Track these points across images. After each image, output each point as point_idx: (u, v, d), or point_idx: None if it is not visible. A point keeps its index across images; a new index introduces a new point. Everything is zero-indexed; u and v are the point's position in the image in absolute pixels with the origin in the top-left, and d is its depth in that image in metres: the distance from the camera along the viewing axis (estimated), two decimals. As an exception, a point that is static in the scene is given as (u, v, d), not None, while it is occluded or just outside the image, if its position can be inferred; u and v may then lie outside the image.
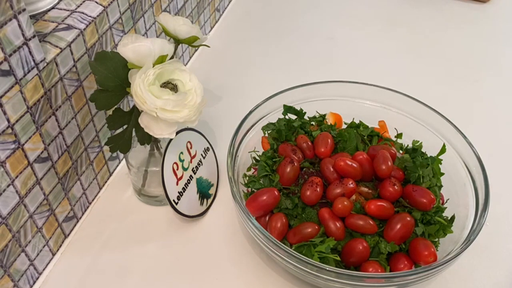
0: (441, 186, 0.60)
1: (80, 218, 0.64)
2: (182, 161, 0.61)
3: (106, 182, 0.69)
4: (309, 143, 0.62)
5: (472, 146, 0.60)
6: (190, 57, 0.91)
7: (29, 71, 0.47)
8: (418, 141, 0.64)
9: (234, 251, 0.61)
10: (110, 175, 0.69)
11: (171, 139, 0.59)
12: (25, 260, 0.54)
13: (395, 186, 0.56)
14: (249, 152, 0.65)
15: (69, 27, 0.53)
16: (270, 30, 0.99)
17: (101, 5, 0.58)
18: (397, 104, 0.68)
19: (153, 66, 0.51)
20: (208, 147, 0.67)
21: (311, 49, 0.94)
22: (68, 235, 0.62)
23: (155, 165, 0.62)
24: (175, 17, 0.57)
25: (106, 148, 0.65)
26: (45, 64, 0.49)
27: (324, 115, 0.68)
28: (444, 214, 0.58)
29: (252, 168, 0.65)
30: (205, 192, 0.65)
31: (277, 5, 1.06)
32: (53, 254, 0.60)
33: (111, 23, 0.60)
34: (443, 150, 0.61)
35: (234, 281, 0.58)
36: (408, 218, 0.54)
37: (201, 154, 0.65)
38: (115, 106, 0.54)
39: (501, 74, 0.89)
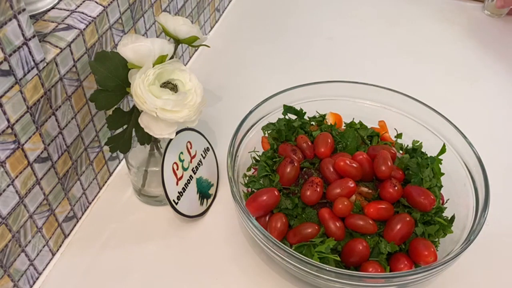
0: (441, 186, 0.60)
1: (80, 218, 0.64)
2: (182, 161, 0.61)
3: (106, 182, 0.68)
4: (309, 143, 0.62)
5: (472, 146, 0.60)
6: (190, 57, 0.91)
7: (29, 71, 0.47)
8: (418, 141, 0.64)
9: (234, 251, 0.61)
10: (110, 175, 0.69)
11: (171, 139, 0.59)
12: (25, 260, 0.54)
13: (396, 188, 0.56)
14: (249, 152, 0.65)
15: (69, 27, 0.53)
16: (270, 30, 0.99)
17: (101, 5, 0.58)
18: (397, 104, 0.68)
19: (153, 66, 0.51)
20: (208, 147, 0.67)
21: (311, 49, 0.94)
22: (68, 235, 0.62)
23: (155, 165, 0.62)
24: (175, 17, 0.57)
25: (106, 148, 0.65)
26: (45, 64, 0.49)
27: (324, 115, 0.68)
28: (444, 214, 0.58)
29: (252, 168, 0.65)
30: (205, 192, 0.65)
31: (277, 5, 1.06)
32: (53, 254, 0.60)
33: (111, 23, 0.60)
34: (443, 150, 0.61)
35: (234, 281, 0.58)
36: (408, 219, 0.54)
37: (201, 154, 0.65)
38: (115, 106, 0.54)
39: (501, 74, 0.89)
